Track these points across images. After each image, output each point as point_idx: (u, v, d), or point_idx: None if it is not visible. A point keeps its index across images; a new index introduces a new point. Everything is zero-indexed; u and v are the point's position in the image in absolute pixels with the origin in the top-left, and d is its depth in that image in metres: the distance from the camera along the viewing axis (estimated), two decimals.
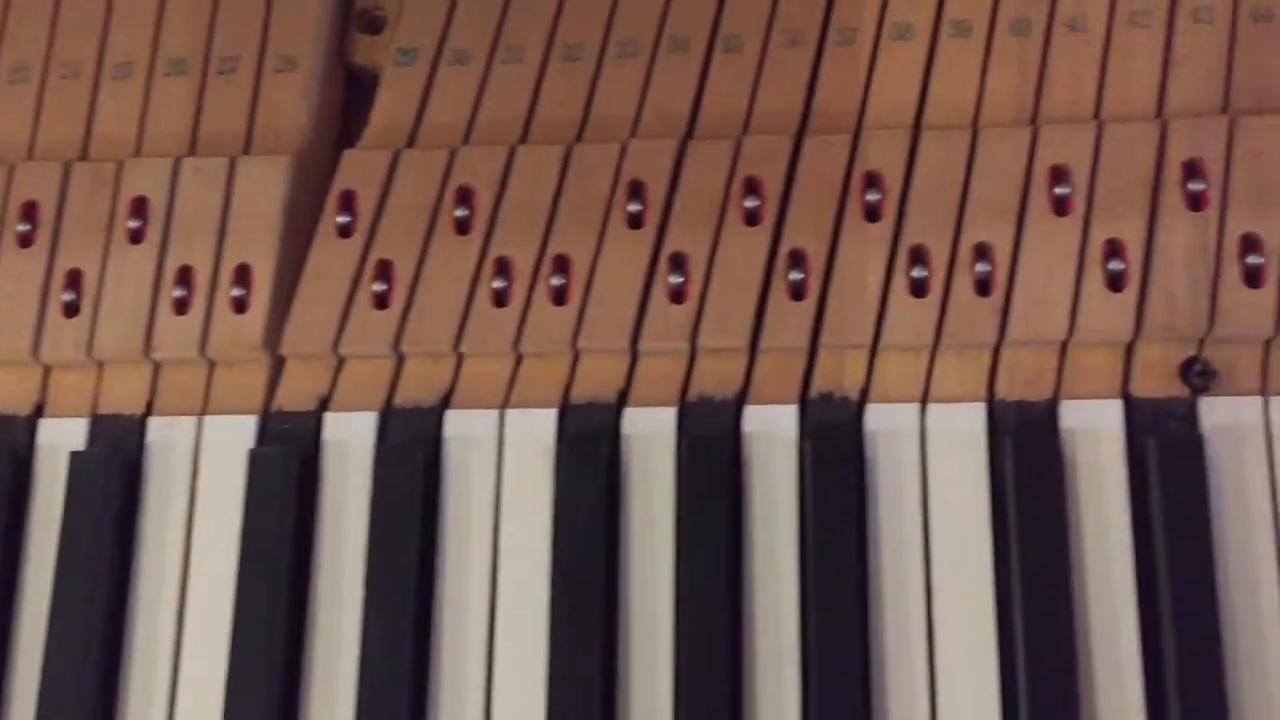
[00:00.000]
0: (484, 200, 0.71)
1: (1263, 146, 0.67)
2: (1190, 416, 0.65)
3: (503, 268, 0.70)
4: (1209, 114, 0.68)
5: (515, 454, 0.68)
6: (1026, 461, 0.64)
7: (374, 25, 0.78)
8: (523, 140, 0.73)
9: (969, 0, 0.72)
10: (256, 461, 0.68)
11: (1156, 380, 0.66)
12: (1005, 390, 0.66)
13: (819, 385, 0.68)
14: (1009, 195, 0.68)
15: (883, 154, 0.69)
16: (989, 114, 0.70)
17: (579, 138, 0.73)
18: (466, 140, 0.73)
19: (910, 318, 0.67)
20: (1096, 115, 0.69)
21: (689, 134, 0.72)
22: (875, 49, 0.72)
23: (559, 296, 0.69)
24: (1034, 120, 0.69)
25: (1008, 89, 0.70)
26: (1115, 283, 0.66)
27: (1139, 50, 0.70)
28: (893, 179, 0.69)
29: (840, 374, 0.68)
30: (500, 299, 0.69)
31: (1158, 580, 0.62)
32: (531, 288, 0.69)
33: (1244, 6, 0.70)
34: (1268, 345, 0.65)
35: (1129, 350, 0.66)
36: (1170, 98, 0.69)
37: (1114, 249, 0.66)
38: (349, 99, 0.77)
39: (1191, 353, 0.66)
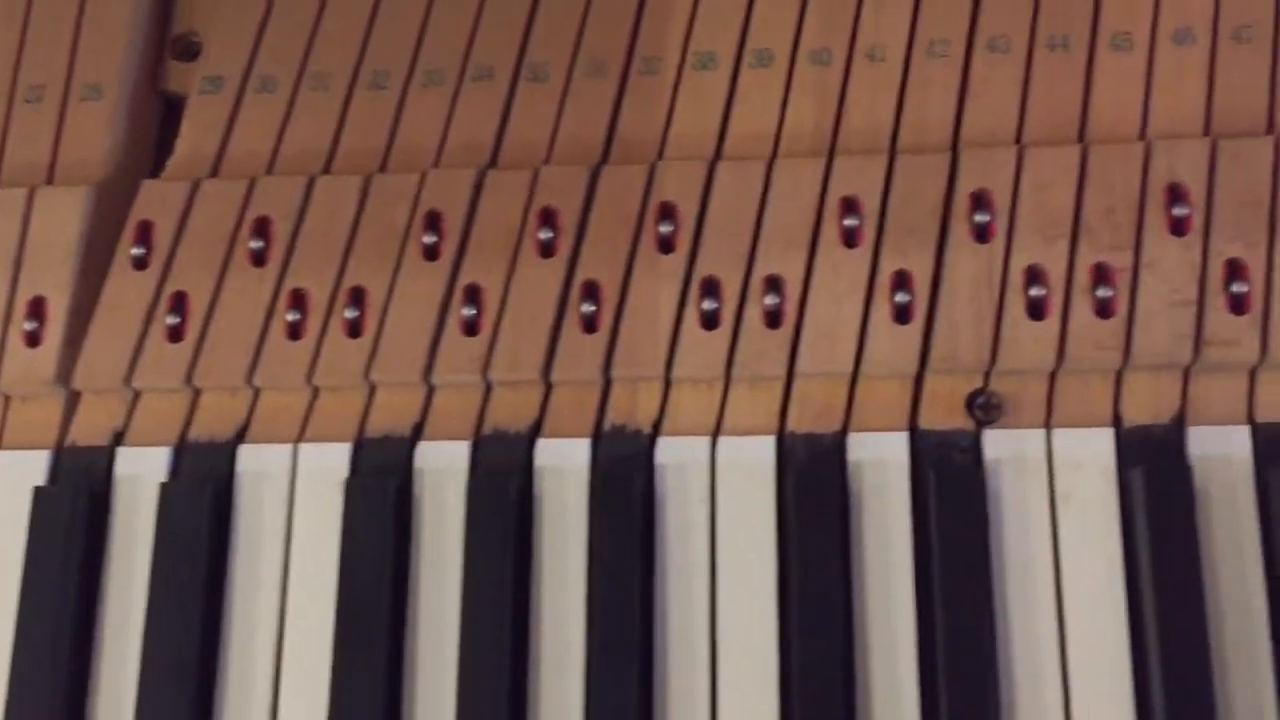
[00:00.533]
0: (281, 231, 0.70)
1: (1051, 178, 0.67)
2: (974, 449, 0.65)
3: (298, 300, 0.69)
4: (1001, 144, 0.68)
5: (307, 489, 0.67)
6: (811, 495, 0.64)
7: (189, 52, 0.78)
8: (325, 170, 0.72)
9: (771, 29, 0.72)
10: (42, 499, 0.67)
11: (944, 412, 0.66)
12: (796, 423, 0.66)
13: (612, 418, 0.67)
14: (801, 227, 0.68)
15: (678, 185, 0.69)
16: (787, 144, 0.70)
17: (382, 168, 0.72)
18: (270, 170, 0.73)
19: (701, 350, 0.67)
20: (893, 146, 0.69)
21: (491, 164, 0.72)
22: (678, 78, 0.72)
23: (354, 329, 0.69)
24: (832, 151, 0.70)
25: (806, 119, 0.71)
26: (902, 315, 0.66)
27: (936, 80, 0.70)
28: (687, 210, 0.69)
29: (633, 407, 0.68)
30: (295, 332, 0.69)
31: (935, 607, 0.62)
32: (326, 320, 0.69)
33: (1040, 36, 0.70)
34: (1052, 378, 0.66)
35: (918, 382, 0.66)
36: (964, 128, 0.69)
37: (901, 281, 0.66)
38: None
39: (979, 385, 0.66)
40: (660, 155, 0.71)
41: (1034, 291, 0.65)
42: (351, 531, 0.66)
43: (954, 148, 0.68)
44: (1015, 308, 0.65)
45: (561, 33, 0.73)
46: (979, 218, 0.66)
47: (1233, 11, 0.69)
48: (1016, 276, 0.66)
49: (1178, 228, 0.65)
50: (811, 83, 0.71)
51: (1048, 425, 0.65)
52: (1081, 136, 0.68)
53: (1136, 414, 0.64)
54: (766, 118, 0.71)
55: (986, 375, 0.66)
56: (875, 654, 0.63)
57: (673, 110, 0.71)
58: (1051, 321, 0.65)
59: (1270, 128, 0.67)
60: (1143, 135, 0.68)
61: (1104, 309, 0.65)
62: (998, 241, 0.66)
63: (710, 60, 0.72)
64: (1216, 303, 0.64)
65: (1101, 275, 0.65)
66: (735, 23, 0.72)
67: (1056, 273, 0.65)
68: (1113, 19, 0.70)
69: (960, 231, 0.67)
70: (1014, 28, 0.70)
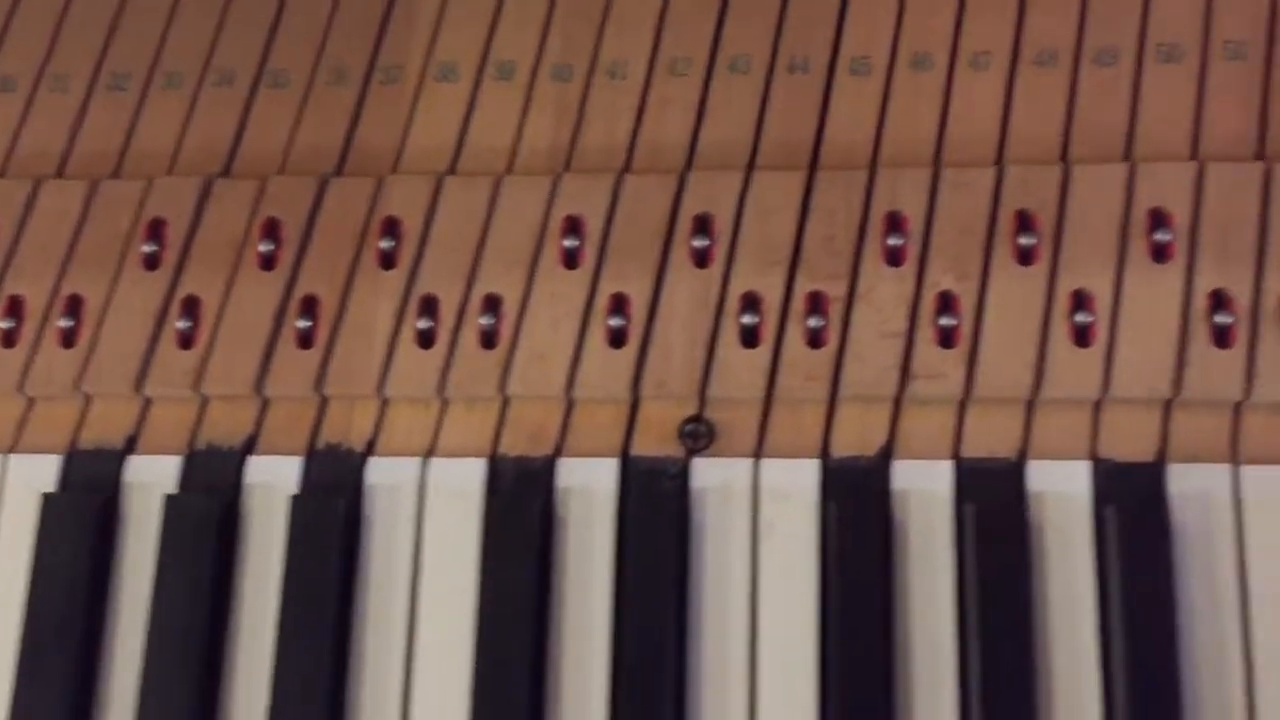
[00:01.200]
0: (4, 237, 0.69)
1: (775, 203, 0.66)
2: (682, 476, 0.64)
3: (15, 308, 0.68)
4: (731, 169, 0.67)
5: (14, 500, 0.66)
6: (512, 520, 0.63)
7: None
8: (58, 174, 0.71)
9: (515, 42, 0.71)
10: None
11: (656, 439, 0.65)
12: (508, 446, 0.65)
13: (327, 436, 0.66)
14: (524, 246, 0.67)
15: (405, 199, 0.68)
16: (523, 161, 0.69)
17: (115, 173, 0.71)
18: (3, 174, 0.71)
19: (415, 369, 0.65)
20: (627, 167, 0.68)
21: (225, 172, 0.70)
22: (419, 89, 0.71)
23: (68, 339, 0.68)
24: (567, 168, 0.68)
25: (544, 136, 0.69)
26: (617, 339, 0.65)
27: (675, 100, 0.69)
28: (412, 226, 0.68)
29: (348, 425, 0.67)
30: (9, 340, 0.68)
31: (625, 635, 0.61)
32: (42, 329, 0.68)
33: (781, 60, 0.69)
34: (765, 405, 0.65)
35: (634, 407, 0.66)
36: (699, 150, 0.68)
37: (619, 304, 0.65)
38: None
39: (694, 411, 0.65)
40: (395, 168, 0.70)
41: (747, 319, 0.64)
42: (49, 546, 0.64)
43: (687, 170, 0.68)
44: (729, 334, 0.65)
45: (305, 38, 0.72)
46: (698, 242, 0.66)
47: (968, 40, 0.68)
48: (733, 303, 0.65)
49: (894, 258, 0.65)
50: (552, 98, 0.70)
51: (757, 455, 0.64)
52: (814, 164, 0.67)
53: (844, 446, 0.64)
54: (504, 133, 0.69)
55: (701, 402, 0.65)
56: (567, 677, 0.62)
57: (410, 122, 0.70)
58: (764, 350, 0.64)
59: (999, 158, 0.66)
60: (872, 163, 0.67)
61: (815, 339, 0.64)
62: (716, 267, 0.66)
63: (451, 72, 0.71)
64: (926, 335, 0.64)
65: (815, 304, 0.64)
66: (480, 34, 0.71)
67: (772, 300, 0.65)
68: (854, 44, 0.69)
69: (680, 255, 0.66)
70: (755, 49, 0.69)
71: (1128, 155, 0.65)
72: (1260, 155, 0.65)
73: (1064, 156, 0.66)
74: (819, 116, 0.68)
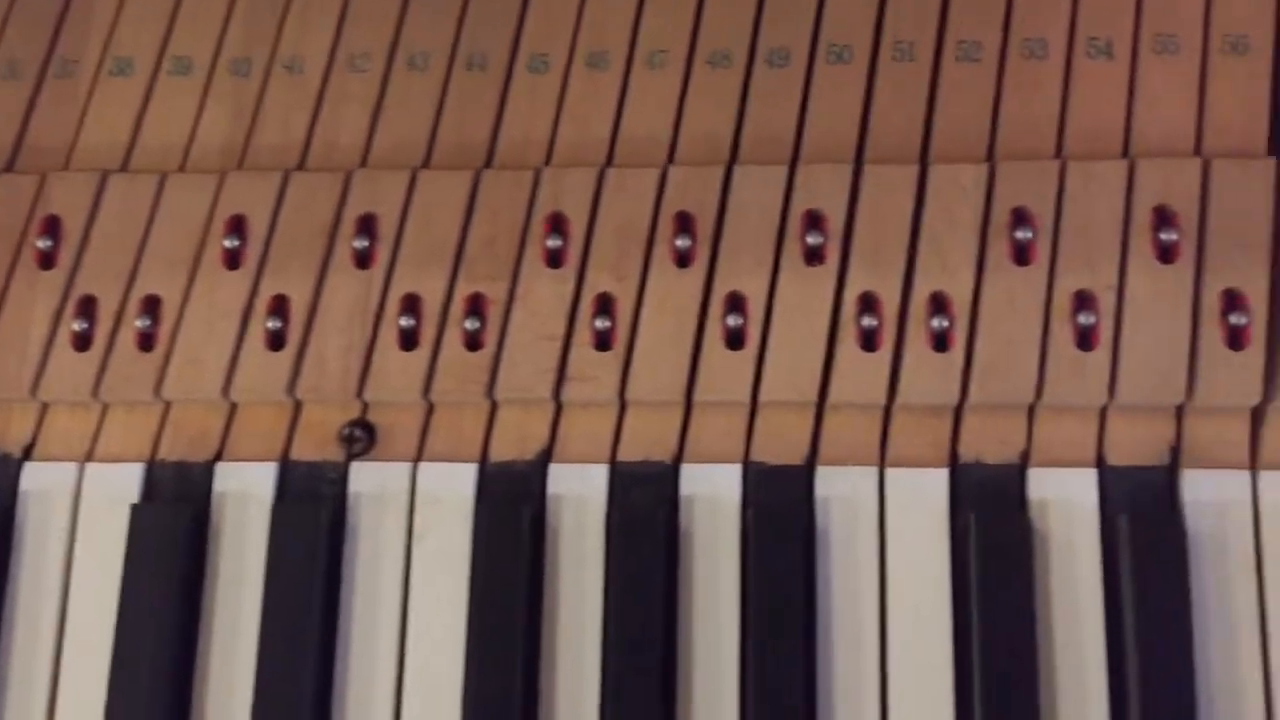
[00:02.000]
0: None
1: (440, 203, 0.65)
2: (342, 481, 0.63)
3: None
4: (400, 168, 0.65)
5: None
6: (168, 528, 0.62)
7: None
8: None
9: (193, 35, 0.69)
10: None
11: (316, 443, 0.64)
12: (167, 450, 0.64)
13: None
14: (187, 246, 0.65)
15: (68, 198, 0.66)
16: (195, 159, 0.67)
17: None
18: None
19: (71, 372, 0.64)
20: (301, 164, 0.66)
21: (9, 167, 0.68)
22: (94, 84, 0.69)
23: None
24: (240, 166, 0.67)
25: (218, 132, 0.68)
26: (276, 341, 0.64)
27: (354, 95, 0.67)
28: (74, 224, 0.66)
29: (5, 429, 0.65)
30: None
31: (269, 640, 0.60)
32: None
33: (460, 57, 0.68)
34: (427, 409, 0.64)
35: (297, 411, 0.65)
36: (373, 150, 0.66)
37: (279, 306, 0.64)
38: None
39: (357, 415, 0.64)
40: (67, 164, 0.68)
41: (405, 321, 0.63)
42: None
43: (361, 169, 0.66)
44: (388, 337, 0.64)
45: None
46: (359, 243, 0.65)
47: (708, 38, 0.67)
48: (394, 305, 0.64)
49: (554, 259, 0.64)
50: (229, 94, 0.68)
51: (416, 459, 0.63)
52: (488, 163, 0.66)
53: (502, 449, 0.63)
54: (178, 129, 0.68)
55: (365, 406, 0.64)
56: (213, 684, 0.61)
57: (84, 117, 0.69)
58: (423, 352, 0.63)
59: (670, 159, 0.66)
60: (547, 163, 0.66)
61: (473, 341, 0.63)
62: (379, 268, 0.65)
63: (127, 66, 0.69)
64: (583, 338, 0.63)
65: (474, 306, 0.64)
66: (158, 27, 0.69)
67: (433, 302, 0.64)
68: (534, 41, 0.68)
69: (343, 256, 0.65)
70: (435, 45, 0.68)
71: (794, 159, 0.65)
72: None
73: (733, 158, 0.65)
74: (495, 115, 0.67)
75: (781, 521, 0.60)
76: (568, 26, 0.68)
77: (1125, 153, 0.64)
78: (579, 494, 0.62)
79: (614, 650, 0.59)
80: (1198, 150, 0.64)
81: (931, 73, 0.66)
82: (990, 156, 0.64)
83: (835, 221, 0.63)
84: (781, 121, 0.65)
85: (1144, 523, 0.59)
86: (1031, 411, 0.62)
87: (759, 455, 0.62)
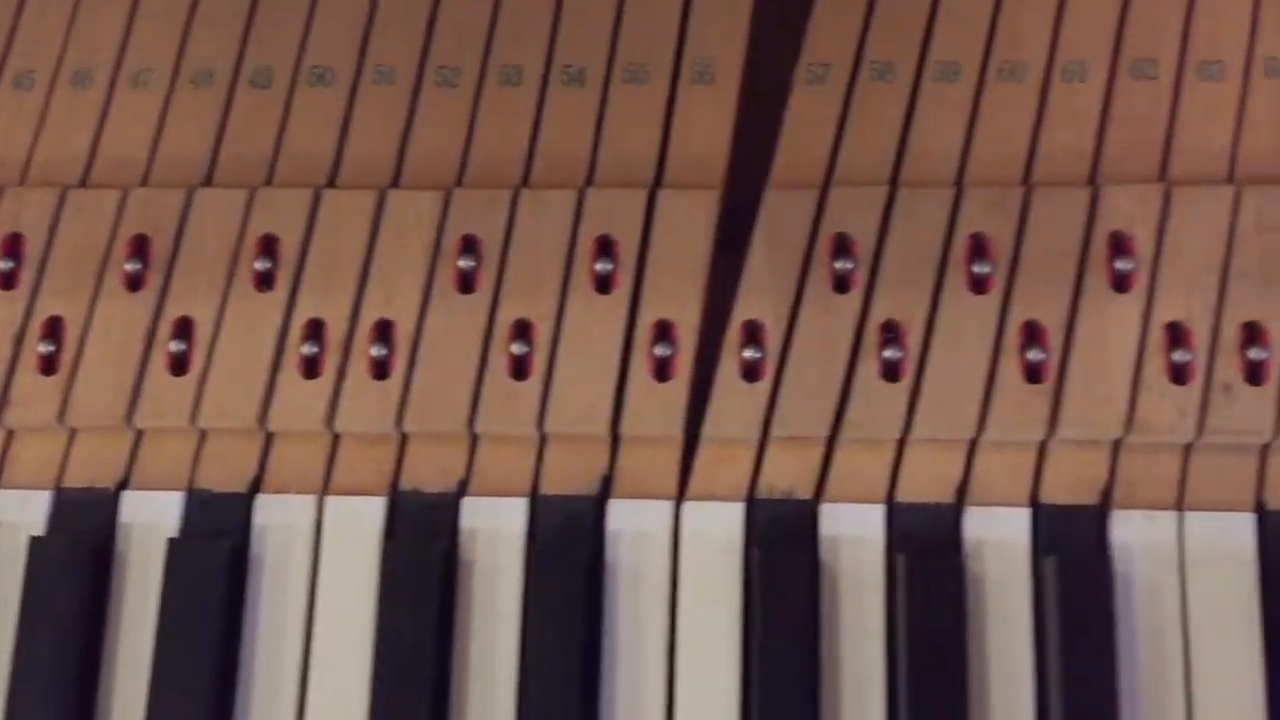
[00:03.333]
0: None
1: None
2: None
3: None
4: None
5: None
6: None
7: None
8: None
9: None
10: None
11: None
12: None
13: None
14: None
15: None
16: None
17: None
18: None
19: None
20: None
21: None
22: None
23: None
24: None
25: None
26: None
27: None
28: None
29: None
30: None
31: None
32: None
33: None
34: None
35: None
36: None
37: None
38: None
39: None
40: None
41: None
42: None
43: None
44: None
45: None
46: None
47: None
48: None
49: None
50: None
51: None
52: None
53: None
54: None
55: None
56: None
57: None
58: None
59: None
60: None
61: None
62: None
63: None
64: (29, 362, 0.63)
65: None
66: None
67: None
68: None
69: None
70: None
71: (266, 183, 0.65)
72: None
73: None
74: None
75: (205, 553, 0.61)
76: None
77: (590, 181, 0.64)
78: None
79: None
80: (658, 182, 0.64)
81: (410, 98, 0.66)
82: (458, 184, 0.65)
83: (290, 249, 0.64)
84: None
85: (560, 555, 0.60)
86: (474, 440, 0.63)
87: (202, 482, 0.63)
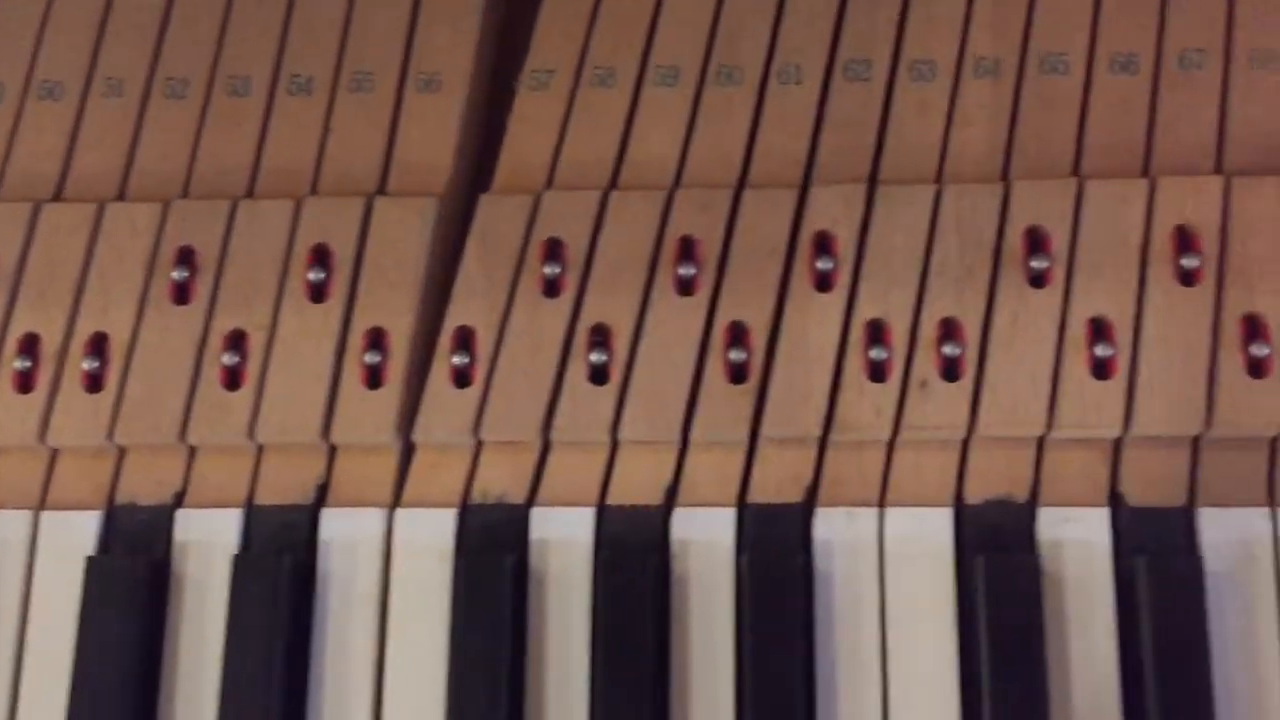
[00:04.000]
0: None
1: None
2: None
3: None
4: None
5: None
6: None
7: None
8: None
9: None
10: None
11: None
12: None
13: None
14: None
15: None
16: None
17: None
18: None
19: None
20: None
21: None
22: None
23: None
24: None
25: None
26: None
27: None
28: None
29: None
30: None
31: None
32: None
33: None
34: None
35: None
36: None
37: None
38: None
39: None
40: None
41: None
42: None
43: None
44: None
45: None
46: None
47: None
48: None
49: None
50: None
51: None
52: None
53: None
54: None
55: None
56: None
57: None
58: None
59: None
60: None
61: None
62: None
63: None
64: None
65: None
66: None
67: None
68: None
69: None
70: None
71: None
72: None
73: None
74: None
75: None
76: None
77: (314, 190, 0.64)
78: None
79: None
80: (385, 188, 0.64)
81: (139, 110, 0.66)
82: (183, 194, 0.65)
83: (6, 264, 0.63)
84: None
85: (264, 566, 0.59)
86: (191, 452, 0.63)
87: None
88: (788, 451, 0.60)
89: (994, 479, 0.59)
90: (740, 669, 0.57)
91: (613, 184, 0.64)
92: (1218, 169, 0.62)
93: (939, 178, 0.63)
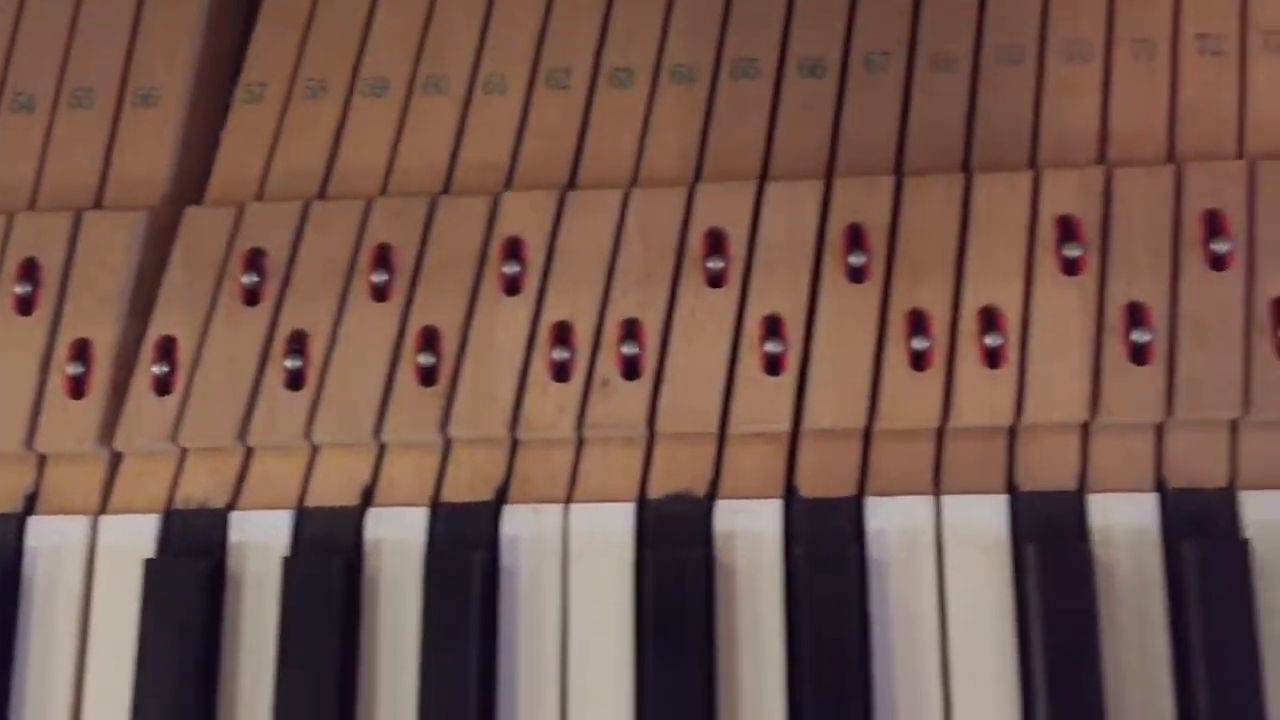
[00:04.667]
0: None
1: None
2: None
3: None
4: None
5: None
6: None
7: None
8: None
9: None
10: None
11: None
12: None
13: None
14: None
15: None
16: None
17: None
18: None
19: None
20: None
21: None
22: None
23: None
24: None
25: None
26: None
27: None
28: None
29: None
30: None
31: None
32: None
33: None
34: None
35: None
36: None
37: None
38: None
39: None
40: None
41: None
42: None
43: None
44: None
45: None
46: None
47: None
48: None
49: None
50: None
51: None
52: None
53: None
54: None
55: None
56: None
57: None
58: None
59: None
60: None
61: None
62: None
63: None
64: None
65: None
66: None
67: None
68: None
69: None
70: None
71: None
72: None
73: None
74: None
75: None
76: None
77: (32, 206, 0.66)
78: None
79: None
80: (101, 202, 0.65)
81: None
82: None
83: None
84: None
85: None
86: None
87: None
88: (479, 451, 0.62)
89: (676, 474, 0.61)
90: (425, 664, 0.59)
91: (321, 194, 0.66)
92: (895, 169, 0.63)
93: (634, 183, 0.65)
